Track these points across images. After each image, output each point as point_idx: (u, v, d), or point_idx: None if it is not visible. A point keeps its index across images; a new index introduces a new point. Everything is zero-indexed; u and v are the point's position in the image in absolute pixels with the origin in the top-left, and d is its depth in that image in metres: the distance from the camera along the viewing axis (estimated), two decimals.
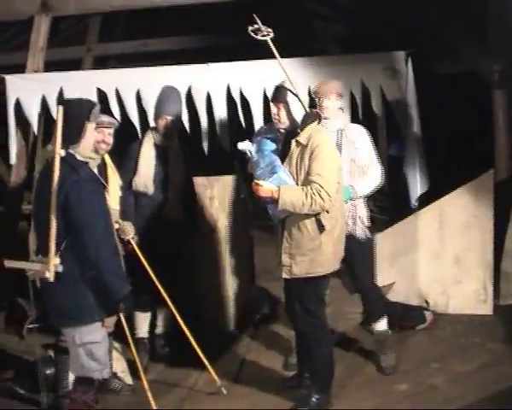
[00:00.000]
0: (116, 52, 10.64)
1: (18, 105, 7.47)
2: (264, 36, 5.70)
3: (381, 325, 6.28)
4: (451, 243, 7.22)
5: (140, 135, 7.13)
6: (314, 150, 5.33)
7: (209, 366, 6.08)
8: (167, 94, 6.58)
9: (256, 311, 7.52)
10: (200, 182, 7.28)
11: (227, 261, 7.37)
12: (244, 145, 5.65)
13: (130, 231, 6.07)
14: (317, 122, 5.51)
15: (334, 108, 6.09)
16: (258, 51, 7.31)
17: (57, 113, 5.03)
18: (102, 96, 7.44)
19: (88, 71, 9.42)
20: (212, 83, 7.45)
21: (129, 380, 6.16)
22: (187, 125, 7.37)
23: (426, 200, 7.46)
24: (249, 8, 5.78)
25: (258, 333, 7.28)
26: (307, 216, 5.37)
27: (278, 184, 5.32)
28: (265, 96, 7.32)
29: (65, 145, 4.97)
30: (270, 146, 5.62)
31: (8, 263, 5.14)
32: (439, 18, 7.70)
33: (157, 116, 6.53)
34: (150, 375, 6.19)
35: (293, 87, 5.49)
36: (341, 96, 6.23)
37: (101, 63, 10.35)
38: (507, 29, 7.23)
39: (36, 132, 7.57)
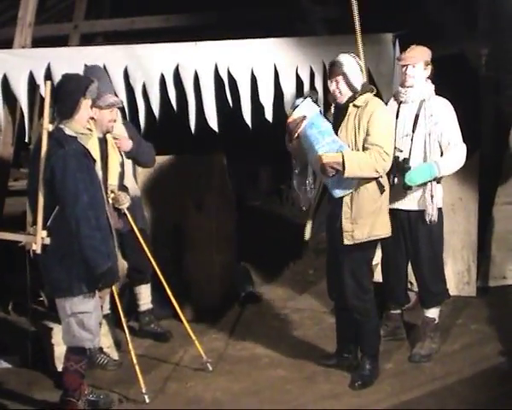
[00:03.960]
0: (103, 29, 10.56)
1: (5, 81, 7.40)
2: None
3: (431, 312, 6.12)
4: None
5: (127, 112, 7.08)
6: (373, 113, 5.41)
7: (196, 342, 6.11)
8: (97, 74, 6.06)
9: (241, 289, 7.57)
10: (187, 160, 7.27)
11: (214, 238, 7.42)
12: (300, 102, 5.57)
13: (124, 201, 6.15)
14: (373, 94, 5.57)
15: (420, 77, 5.86)
16: (247, 31, 7.33)
17: (45, 88, 5.05)
18: None
19: (75, 47, 9.35)
20: (199, 62, 7.41)
21: (115, 355, 6.21)
22: (174, 103, 7.35)
23: None
24: None
25: (243, 311, 7.32)
26: (367, 179, 5.42)
27: (338, 149, 5.37)
28: (253, 76, 7.31)
29: (58, 119, 5.04)
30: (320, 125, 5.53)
31: None
32: (428, 1, 7.72)
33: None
34: (136, 351, 6.18)
35: (357, 57, 5.65)
36: (429, 65, 5.90)
37: (89, 41, 10.27)
38: (496, 13, 7.28)
39: (23, 109, 7.51)
